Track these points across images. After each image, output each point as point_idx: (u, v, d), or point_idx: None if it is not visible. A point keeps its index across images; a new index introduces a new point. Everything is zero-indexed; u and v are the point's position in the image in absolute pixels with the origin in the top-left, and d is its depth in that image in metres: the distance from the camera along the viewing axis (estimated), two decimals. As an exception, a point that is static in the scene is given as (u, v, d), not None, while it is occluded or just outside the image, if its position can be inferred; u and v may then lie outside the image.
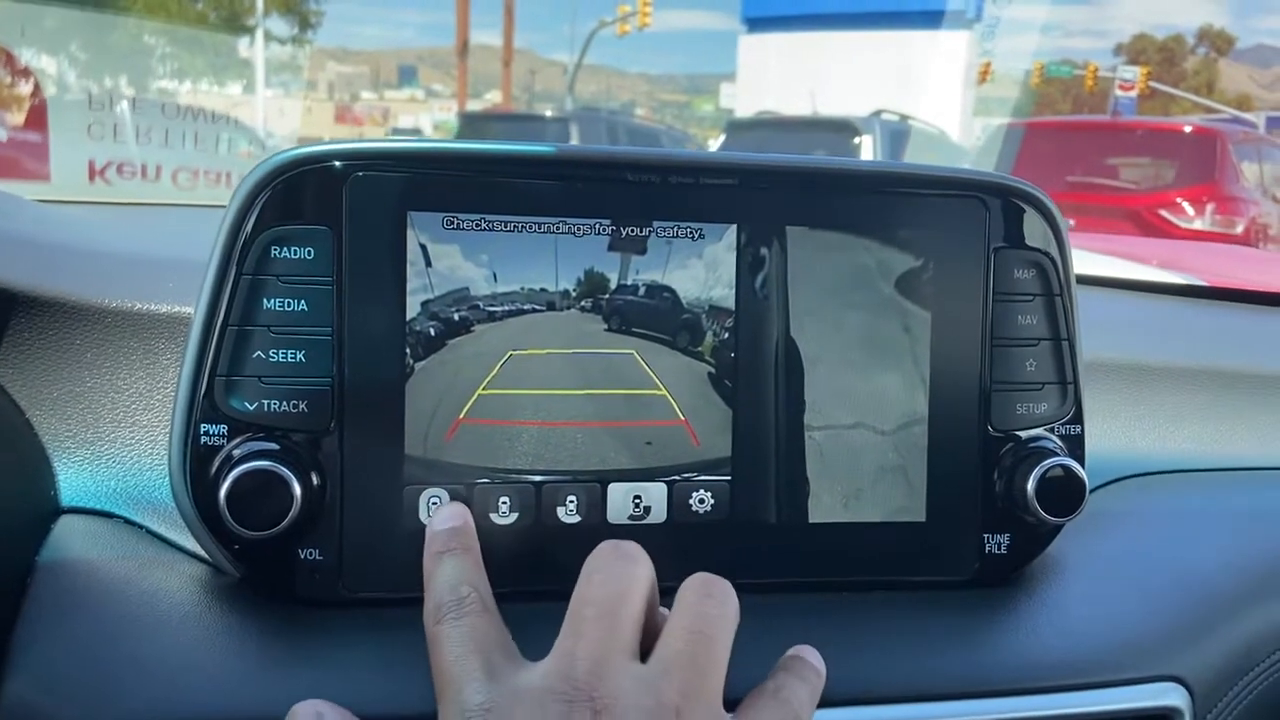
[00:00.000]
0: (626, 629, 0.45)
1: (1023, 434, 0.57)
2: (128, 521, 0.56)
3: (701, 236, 0.55)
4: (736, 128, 9.27)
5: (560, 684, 0.42)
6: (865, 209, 0.56)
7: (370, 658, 0.50)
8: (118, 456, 0.58)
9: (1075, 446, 0.58)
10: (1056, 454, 0.56)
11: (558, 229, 0.53)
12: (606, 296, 0.54)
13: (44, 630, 0.49)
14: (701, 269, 0.55)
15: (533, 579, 0.54)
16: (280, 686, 0.48)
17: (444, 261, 0.53)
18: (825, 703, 0.50)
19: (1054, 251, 0.57)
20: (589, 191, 0.54)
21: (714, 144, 10.97)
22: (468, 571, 0.48)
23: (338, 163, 0.51)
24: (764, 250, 0.55)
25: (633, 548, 0.48)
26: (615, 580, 0.46)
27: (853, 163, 0.56)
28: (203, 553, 0.54)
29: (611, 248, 0.54)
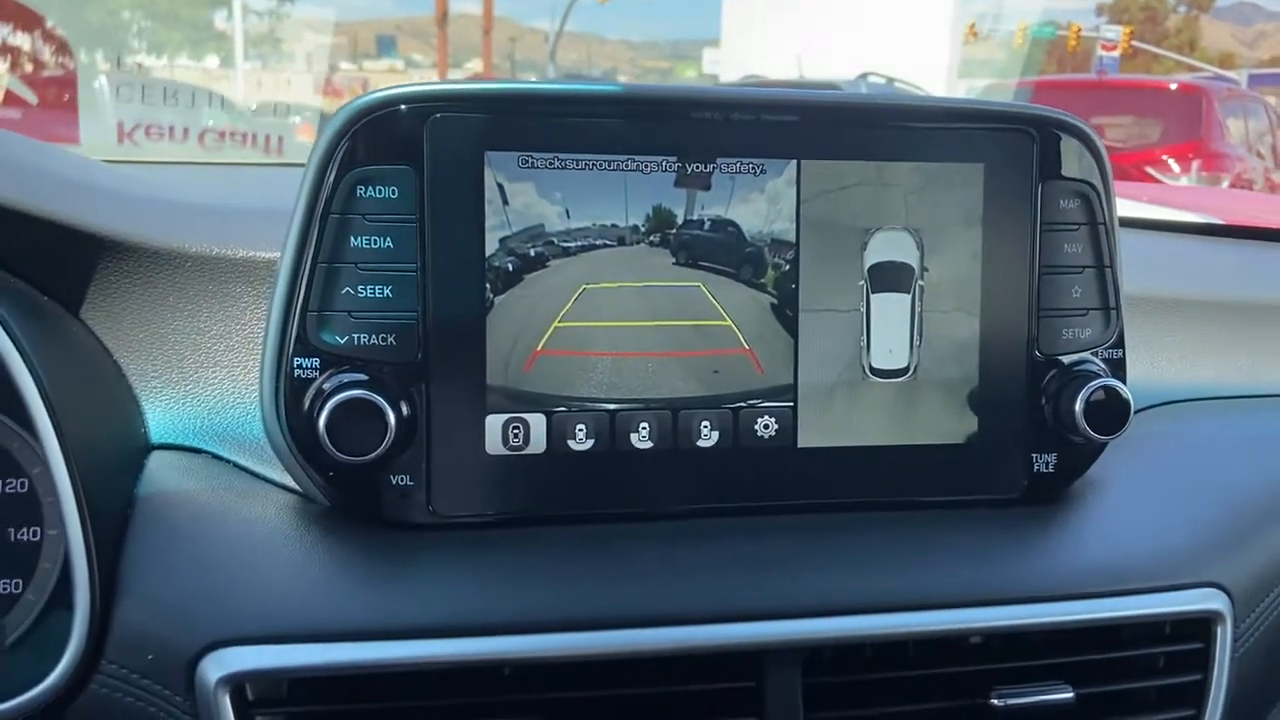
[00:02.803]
0: None
1: (1068, 358, 0.60)
2: (215, 456, 0.59)
3: (764, 172, 0.57)
4: (723, 92, 9.22)
5: None
6: (920, 142, 0.58)
7: (459, 574, 0.53)
8: (202, 395, 0.60)
9: (1117, 369, 0.61)
10: (1101, 375, 0.59)
11: (627, 166, 0.56)
12: (674, 231, 0.57)
13: (149, 558, 0.52)
14: (764, 203, 0.57)
15: (608, 501, 0.57)
16: (379, 602, 0.51)
17: (520, 199, 0.55)
18: (890, 608, 0.53)
19: (1097, 182, 0.60)
20: (656, 129, 0.56)
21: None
22: None
23: (418, 104, 0.53)
24: (823, 184, 0.57)
25: None
26: None
27: (907, 97, 0.59)
28: (290, 483, 0.57)
29: (678, 184, 0.56)
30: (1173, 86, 7.51)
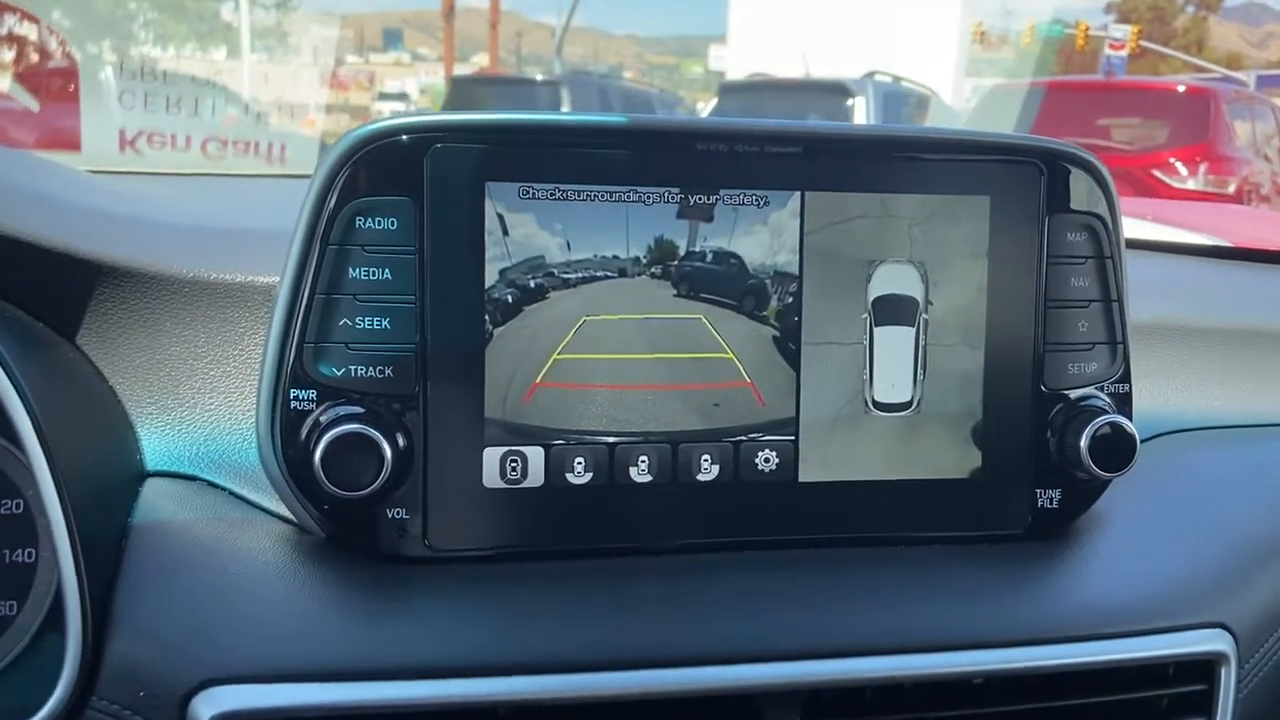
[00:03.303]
0: None
1: (1074, 393, 0.59)
2: (210, 484, 0.58)
3: (767, 203, 0.56)
4: (729, 90, 9.22)
5: None
6: (926, 174, 0.57)
7: (455, 611, 0.52)
8: (198, 422, 0.59)
9: (1123, 404, 0.60)
10: (1107, 411, 0.58)
11: (629, 197, 0.55)
12: (675, 263, 0.56)
13: (143, 590, 0.51)
14: (766, 235, 0.57)
15: (606, 535, 0.56)
16: (375, 641, 0.50)
17: (520, 230, 0.54)
18: (892, 650, 0.53)
19: (1105, 215, 0.59)
20: (659, 161, 0.55)
21: (705, 107, 10.90)
22: None
23: (418, 135, 0.52)
24: (827, 216, 0.57)
25: None
26: None
27: (914, 130, 0.58)
28: (286, 513, 0.56)
29: (680, 215, 0.56)
30: (1181, 89, 7.48)
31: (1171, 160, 6.58)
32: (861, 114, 7.11)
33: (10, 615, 0.56)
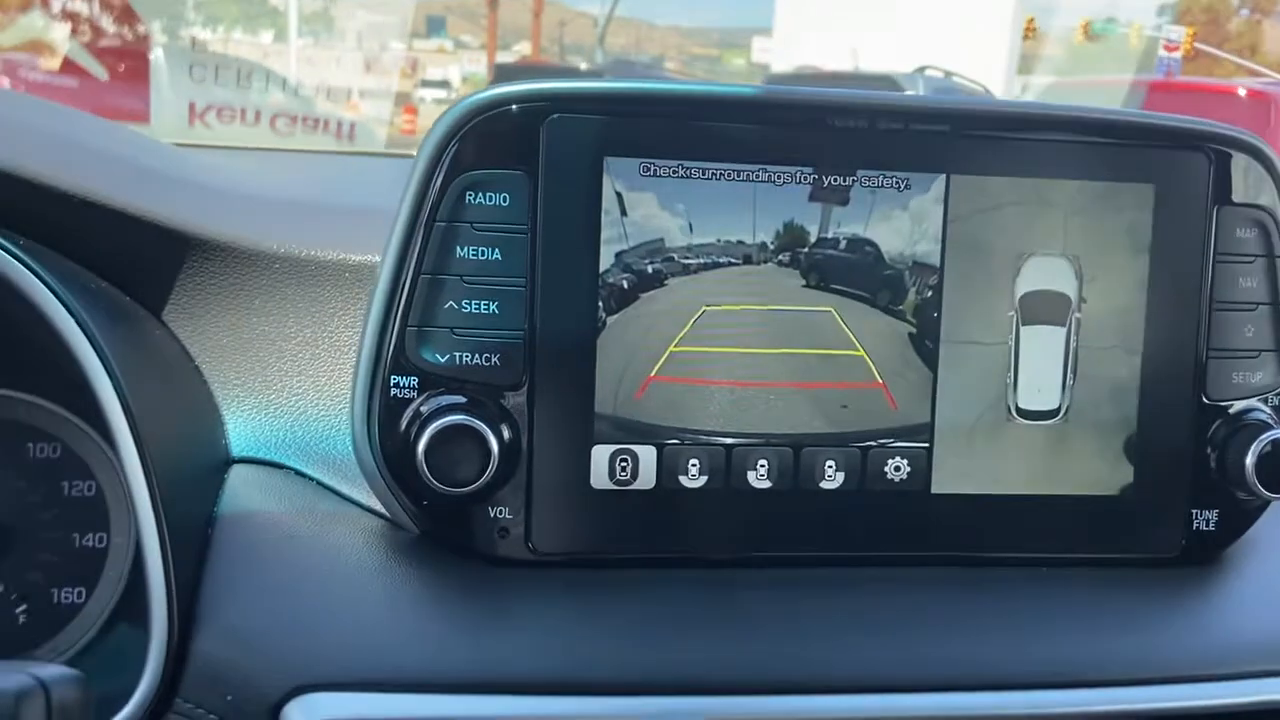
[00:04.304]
0: None
1: (1236, 405, 0.54)
2: (298, 473, 0.55)
3: (908, 187, 0.51)
4: (777, 83, 9.13)
5: None
6: (1082, 160, 0.52)
7: (561, 623, 0.49)
8: (286, 406, 0.56)
9: None
10: (1272, 426, 0.53)
11: (757, 177, 0.50)
12: (806, 250, 0.51)
13: (231, 585, 0.48)
14: (907, 222, 0.52)
15: (719, 544, 0.52)
16: (476, 652, 0.46)
17: (639, 210, 0.50)
18: (1030, 684, 0.48)
19: (1275, 208, 0.54)
20: (791, 137, 0.51)
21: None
22: None
23: (533, 104, 0.48)
24: (974, 202, 0.52)
25: None
26: None
27: (1073, 109, 0.53)
28: (378, 506, 0.53)
29: (812, 198, 0.51)
30: (1242, 92, 7.29)
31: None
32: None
33: (79, 603, 0.53)
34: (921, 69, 7.98)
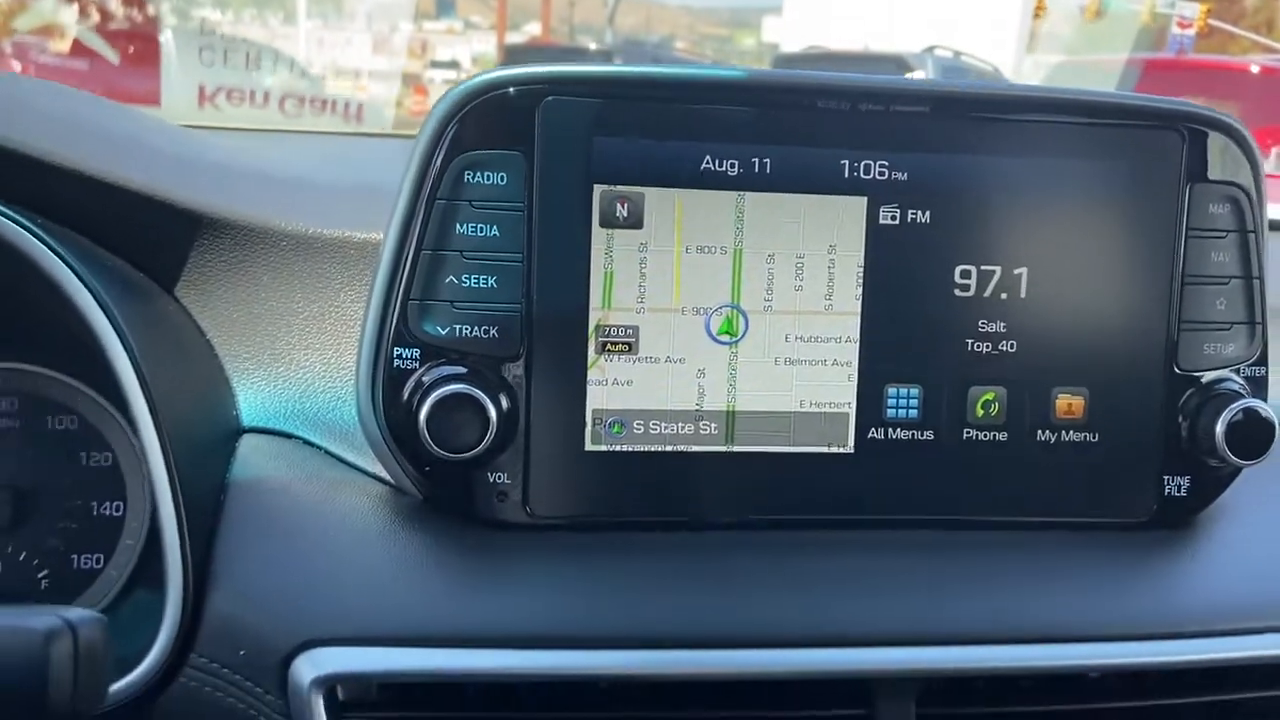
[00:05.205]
0: None
1: (1207, 375, 0.56)
2: (306, 442, 0.57)
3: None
4: (785, 62, 9.07)
5: None
6: (1060, 139, 0.54)
7: (558, 582, 0.51)
8: (294, 378, 0.58)
9: (1259, 388, 0.56)
10: (1243, 395, 0.55)
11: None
12: None
13: (243, 547, 0.50)
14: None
15: (713, 506, 0.54)
16: (475, 608, 0.49)
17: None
18: (1010, 639, 0.50)
19: (1250, 186, 0.56)
20: (780, 118, 0.53)
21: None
22: None
23: (529, 87, 0.50)
24: (955, 179, 0.54)
25: None
26: None
27: (1049, 90, 0.55)
28: (382, 473, 0.55)
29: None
30: (1254, 69, 7.22)
31: (1243, 142, 6.35)
32: (920, 89, 6.92)
33: (97, 568, 0.56)
34: (931, 49, 7.92)
